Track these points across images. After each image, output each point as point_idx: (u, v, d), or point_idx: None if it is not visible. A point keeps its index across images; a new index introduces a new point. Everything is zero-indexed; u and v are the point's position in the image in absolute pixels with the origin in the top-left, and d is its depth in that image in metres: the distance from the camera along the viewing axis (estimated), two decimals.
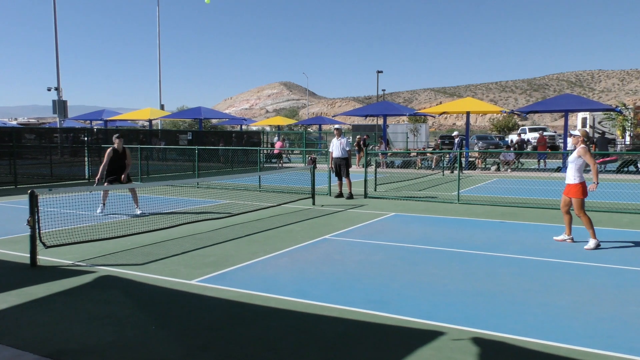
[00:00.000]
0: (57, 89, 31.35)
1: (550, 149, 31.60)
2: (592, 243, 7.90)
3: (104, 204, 11.17)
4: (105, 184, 10.91)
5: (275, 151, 27.79)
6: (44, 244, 6.96)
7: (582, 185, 8.08)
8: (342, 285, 6.05)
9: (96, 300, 5.48)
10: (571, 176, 8.17)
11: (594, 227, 8.06)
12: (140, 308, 5.28)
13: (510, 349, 4.25)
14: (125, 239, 8.15)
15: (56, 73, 31.56)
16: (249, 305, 5.32)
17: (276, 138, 41.28)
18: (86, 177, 19.77)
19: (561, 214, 8.62)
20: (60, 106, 30.56)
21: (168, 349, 4.30)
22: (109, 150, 11.07)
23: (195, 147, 19.22)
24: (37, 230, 6.77)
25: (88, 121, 41.10)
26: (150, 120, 35.61)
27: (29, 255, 6.80)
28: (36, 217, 6.74)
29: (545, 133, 33.29)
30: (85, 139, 22.43)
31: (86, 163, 20.51)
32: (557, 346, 4.27)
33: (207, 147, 23.45)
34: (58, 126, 30.45)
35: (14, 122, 63.64)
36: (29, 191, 6.78)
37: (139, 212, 11.06)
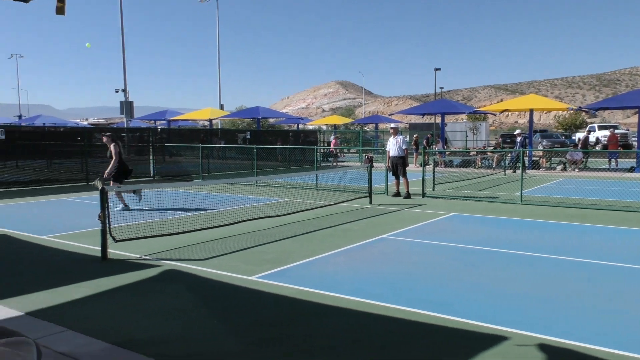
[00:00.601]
0: (124, 90, 32.86)
1: (623, 147, 29.91)
2: None
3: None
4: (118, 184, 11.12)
5: (331, 149, 27.85)
6: (113, 238, 7.31)
7: None
8: (400, 285, 5.99)
9: (162, 293, 5.71)
10: None
11: None
12: (202, 302, 5.45)
13: (578, 358, 4.06)
14: (188, 235, 8.43)
15: (123, 75, 33.08)
16: (307, 303, 5.37)
17: (332, 137, 41.44)
18: (151, 174, 20.59)
19: (633, 216, 8.13)
20: (127, 107, 32.00)
21: (229, 342, 4.41)
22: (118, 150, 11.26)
23: (254, 146, 19.61)
24: (108, 225, 7.12)
25: (152, 121, 42.83)
26: (210, 120, 36.66)
27: (100, 248, 7.17)
28: (106, 212, 7.10)
29: (616, 131, 31.53)
30: (150, 138, 23.37)
31: (151, 161, 21.36)
32: (629, 356, 4.04)
33: (265, 146, 23.86)
34: (125, 126, 31.91)
35: (85, 123, 67.39)
36: (100, 188, 7.15)
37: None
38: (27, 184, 17.21)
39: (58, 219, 10.70)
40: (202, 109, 38.06)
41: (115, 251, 7.37)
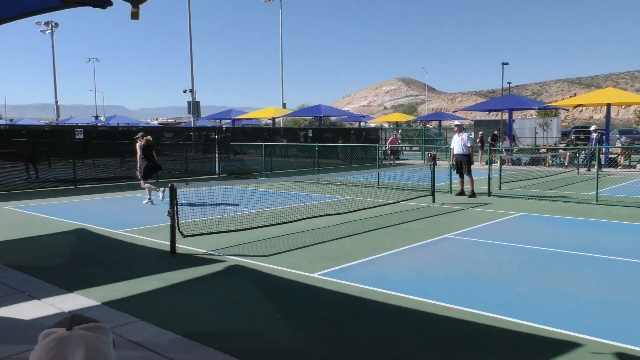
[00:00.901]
0: (191, 91, 34.06)
1: None
2: None
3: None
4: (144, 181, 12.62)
5: (389, 147, 27.44)
6: (181, 233, 7.59)
7: None
8: (465, 286, 5.83)
9: (227, 287, 5.87)
10: None
11: None
12: (265, 297, 5.55)
13: None
14: (252, 231, 8.61)
15: (191, 76, 34.30)
16: (369, 301, 5.34)
17: (393, 133, 40.98)
18: (216, 172, 21.22)
19: None
20: (194, 107, 33.15)
21: (291, 338, 4.46)
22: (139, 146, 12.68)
23: (316, 144, 19.75)
24: (176, 221, 7.41)
25: (218, 120, 44.12)
26: (273, 119, 37.27)
27: (169, 243, 7.47)
28: (175, 208, 7.38)
29: None
30: (215, 137, 24.08)
31: (216, 159, 22.01)
32: None
33: (327, 144, 23.96)
34: (192, 125, 33.08)
35: (155, 122, 70.49)
36: (169, 185, 7.45)
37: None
38: (102, 181, 18.22)
39: (130, 215, 11.26)
40: (265, 107, 38.78)
41: (183, 246, 7.65)
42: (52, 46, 51.86)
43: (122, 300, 5.41)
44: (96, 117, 61.47)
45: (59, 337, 1.11)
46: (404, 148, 35.05)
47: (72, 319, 1.16)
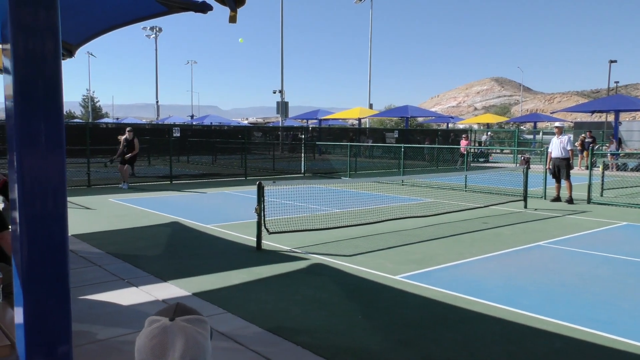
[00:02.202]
0: (280, 91, 34.96)
1: None
2: None
3: (125, 181, 15.19)
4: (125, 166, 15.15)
5: (462, 150, 24.51)
6: (267, 230, 7.80)
7: None
8: (558, 297, 5.48)
9: (310, 285, 5.94)
10: None
11: None
12: (347, 296, 5.56)
13: None
14: (335, 231, 8.67)
15: (280, 77, 35.22)
16: (453, 307, 5.17)
17: (488, 136, 39.36)
18: (302, 171, 21.62)
19: None
20: (282, 107, 34.01)
21: (371, 339, 4.43)
22: (122, 139, 15.20)
23: (401, 145, 19.49)
24: (263, 218, 7.63)
25: (305, 120, 44.95)
26: (359, 119, 37.31)
27: (255, 239, 7.71)
28: (262, 205, 7.60)
29: None
30: (302, 136, 24.54)
31: (302, 159, 22.42)
32: None
33: (413, 145, 23.57)
34: (280, 125, 33.95)
35: (245, 122, 73.20)
36: (257, 182, 7.69)
37: (125, 187, 14.93)
38: (196, 177, 19.21)
39: (221, 210, 11.76)
40: (351, 108, 38.92)
41: (268, 242, 7.85)
42: (156, 49, 55.52)
43: (210, 292, 5.65)
44: (191, 117, 64.95)
45: (162, 327, 1.18)
46: (494, 150, 33.63)
47: (176, 309, 1.23)
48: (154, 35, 54.42)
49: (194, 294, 5.53)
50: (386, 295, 5.60)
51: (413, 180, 16.57)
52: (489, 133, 40.91)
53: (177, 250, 7.72)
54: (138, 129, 20.74)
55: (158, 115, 56.94)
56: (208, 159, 23.70)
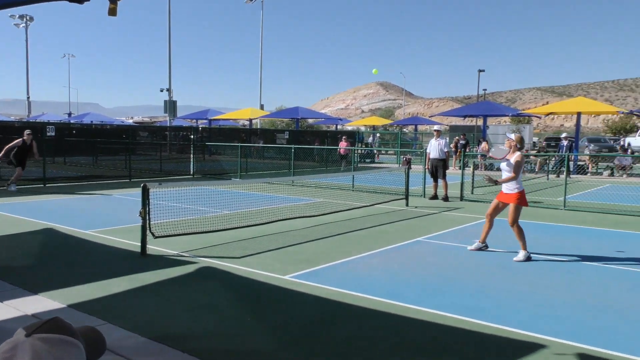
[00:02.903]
0: (168, 90, 33.68)
1: None
2: (521, 255, 7.29)
3: (15, 183, 14.30)
4: (19, 169, 14.28)
5: (341, 151, 24.73)
6: (153, 234, 7.48)
7: (522, 193, 7.48)
8: (436, 289, 5.89)
9: (198, 289, 5.80)
10: (509, 187, 7.47)
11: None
12: (237, 299, 5.51)
13: None
14: (224, 233, 8.55)
15: (168, 75, 33.92)
16: (341, 304, 5.35)
17: (376, 137, 41.13)
18: (191, 173, 21.01)
19: None
20: (170, 106, 32.79)
21: (262, 341, 4.44)
22: (19, 140, 14.17)
23: (292, 145, 19.72)
24: (148, 222, 7.30)
25: (194, 120, 43.74)
26: (250, 120, 37.11)
27: (139, 244, 7.35)
28: (147, 209, 7.27)
29: None
30: (191, 137, 23.86)
31: (191, 160, 21.80)
32: None
33: (303, 146, 23.95)
34: (168, 125, 32.70)
35: (130, 121, 69.43)
36: (142, 184, 7.33)
37: (13, 189, 14.15)
38: (74, 180, 17.85)
39: (102, 215, 11.05)
40: (243, 108, 38.59)
41: (154, 247, 7.54)
42: (26, 40, 50.69)
43: (88, 302, 5.30)
44: (69, 115, 60.30)
45: (14, 342, 1.11)
46: (377, 151, 35.25)
47: (42, 325, 1.16)
48: (23, 25, 49.66)
49: (70, 306, 5.14)
50: (276, 295, 5.64)
51: (303, 181, 16.85)
52: (377, 135, 42.80)
53: (50, 259, 7.12)
54: (4, 128, 18.82)
55: (29, 112, 52.07)
56: (88, 160, 22.15)
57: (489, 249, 7.91)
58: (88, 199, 13.50)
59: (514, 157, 7.58)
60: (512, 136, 7.80)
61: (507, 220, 7.49)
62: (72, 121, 44.25)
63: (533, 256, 7.45)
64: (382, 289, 5.86)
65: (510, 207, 7.50)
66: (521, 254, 7.34)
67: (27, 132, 14.46)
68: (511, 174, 7.48)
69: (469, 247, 7.97)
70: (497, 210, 7.80)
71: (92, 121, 42.46)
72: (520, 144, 7.72)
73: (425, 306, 5.25)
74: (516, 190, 7.51)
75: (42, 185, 15.91)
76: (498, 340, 4.44)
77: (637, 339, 4.47)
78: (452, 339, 4.47)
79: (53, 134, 17.74)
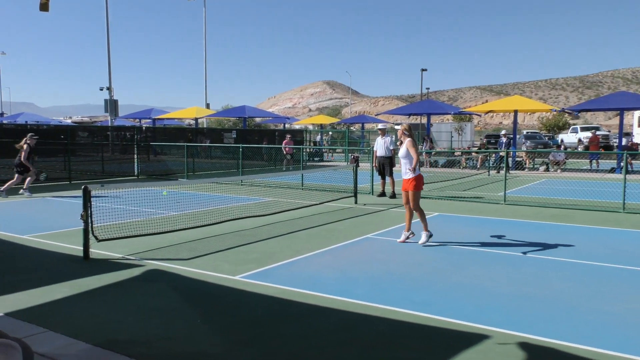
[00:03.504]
0: (108, 88, 32.52)
1: (604, 149, 30.35)
2: (424, 236, 8.08)
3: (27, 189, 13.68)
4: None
5: (286, 150, 24.34)
6: (96, 237, 7.22)
7: (418, 178, 8.16)
8: (385, 284, 6.01)
9: (145, 293, 5.65)
10: (406, 171, 8.24)
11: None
12: (185, 302, 5.41)
13: (559, 356, 4.11)
14: (171, 234, 8.37)
15: (108, 73, 32.75)
16: (292, 302, 5.36)
17: (328, 136, 41.29)
18: (135, 173, 20.40)
19: (613, 216, 8.27)
20: (111, 105, 31.68)
21: (212, 343, 4.38)
22: (25, 144, 13.67)
23: (240, 145, 19.53)
24: (90, 225, 7.04)
25: (137, 120, 42.45)
26: (196, 119, 36.41)
27: (82, 248, 7.08)
28: (89, 211, 7.01)
29: (598, 132, 31.99)
30: (135, 137, 23.15)
31: (135, 160, 21.16)
32: (610, 354, 4.10)
33: (251, 145, 23.76)
34: (109, 124, 31.58)
35: (69, 121, 66.53)
36: (83, 187, 7.06)
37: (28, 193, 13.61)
38: (6, 183, 16.88)
39: (40, 218, 10.55)
40: (188, 107, 37.79)
41: (97, 251, 7.28)
42: None
43: (27, 310, 5.05)
44: (1, 115, 57.09)
45: None
46: (327, 150, 35.48)
47: None
48: None
49: (7, 314, 4.89)
50: (226, 297, 5.58)
51: (252, 180, 16.73)
52: (330, 133, 43.03)
53: None
54: None
55: None
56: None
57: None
58: (24, 202, 12.85)
59: (405, 143, 8.28)
60: (399, 126, 8.60)
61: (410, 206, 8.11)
62: (4, 121, 41.93)
63: (474, 250, 7.74)
64: (332, 286, 5.91)
65: (410, 194, 8.15)
66: (424, 236, 8.10)
67: (35, 136, 14.26)
68: (415, 158, 8.11)
69: (398, 240, 8.36)
70: (407, 197, 8.31)
71: (26, 121, 40.40)
72: (408, 132, 8.45)
73: (374, 302, 5.34)
74: (412, 176, 8.16)
75: None
76: (444, 332, 4.59)
77: (576, 327, 4.74)
78: (400, 333, 4.57)
79: None
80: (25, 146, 13.62)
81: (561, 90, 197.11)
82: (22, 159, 13.56)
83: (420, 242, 8.04)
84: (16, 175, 13.64)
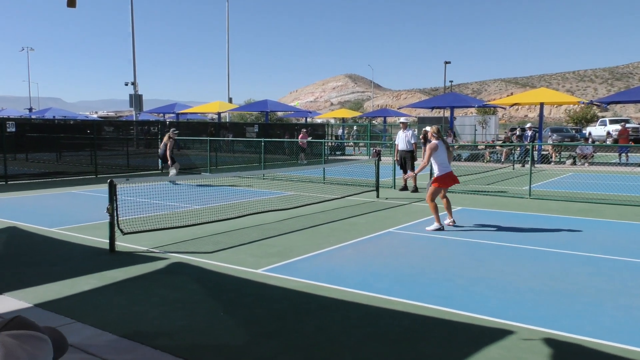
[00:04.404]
0: (133, 83, 32.96)
1: (634, 142, 29.58)
2: (434, 225, 8.67)
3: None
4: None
5: (300, 144, 23.83)
6: (121, 230, 7.35)
7: (442, 176, 8.83)
8: (407, 279, 5.98)
9: (169, 285, 5.74)
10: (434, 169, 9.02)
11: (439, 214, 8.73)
12: (209, 294, 5.47)
13: (585, 352, 4.04)
14: (195, 228, 8.46)
15: (133, 68, 33.19)
16: (313, 296, 5.38)
17: (353, 131, 41.19)
18: (159, 167, 20.67)
19: None
20: (136, 100, 32.11)
21: (234, 335, 4.43)
22: (172, 141, 15.39)
23: (262, 139, 19.61)
24: (116, 218, 7.17)
25: (161, 114, 42.95)
26: (219, 113, 36.68)
27: (108, 241, 7.22)
28: (115, 205, 7.14)
29: (628, 125, 31.17)
30: (158, 131, 23.43)
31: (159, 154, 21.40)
32: (637, 351, 4.01)
33: (273, 139, 23.83)
34: (134, 119, 32.04)
35: (95, 116, 67.72)
36: (108, 180, 7.19)
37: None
38: (37, 177, 17.34)
39: (67, 212, 10.79)
40: (211, 102, 38.10)
41: (123, 244, 7.41)
42: None
43: (56, 301, 5.18)
44: (30, 110, 58.42)
45: None
46: (349, 144, 35.39)
47: (8, 323, 1.12)
48: None
49: (37, 305, 5.02)
50: (248, 290, 5.63)
51: (274, 174, 16.79)
52: (355, 127, 42.89)
53: (14, 258, 6.93)
54: None
55: None
56: (51, 157, 21.50)
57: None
58: (53, 196, 13.15)
59: (428, 145, 9.06)
60: (428, 128, 9.49)
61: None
62: (33, 116, 42.92)
63: (498, 244, 7.64)
64: (354, 280, 5.91)
65: (429, 187, 9.19)
66: (434, 225, 8.69)
67: (175, 130, 16.08)
68: (423, 162, 9.25)
69: (429, 228, 8.78)
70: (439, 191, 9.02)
71: (54, 116, 41.23)
72: (436, 134, 9.12)
73: (397, 296, 5.32)
74: (438, 174, 8.91)
75: (4, 183, 15.42)
76: (467, 327, 4.55)
77: (602, 323, 4.64)
78: (422, 328, 4.55)
79: (14, 129, 17.18)
80: (170, 141, 15.18)
81: (589, 82, 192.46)
82: (167, 153, 15.21)
83: (427, 227, 8.72)
84: (174, 163, 15.26)
